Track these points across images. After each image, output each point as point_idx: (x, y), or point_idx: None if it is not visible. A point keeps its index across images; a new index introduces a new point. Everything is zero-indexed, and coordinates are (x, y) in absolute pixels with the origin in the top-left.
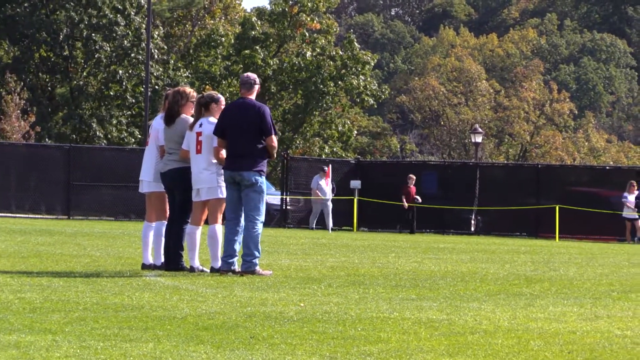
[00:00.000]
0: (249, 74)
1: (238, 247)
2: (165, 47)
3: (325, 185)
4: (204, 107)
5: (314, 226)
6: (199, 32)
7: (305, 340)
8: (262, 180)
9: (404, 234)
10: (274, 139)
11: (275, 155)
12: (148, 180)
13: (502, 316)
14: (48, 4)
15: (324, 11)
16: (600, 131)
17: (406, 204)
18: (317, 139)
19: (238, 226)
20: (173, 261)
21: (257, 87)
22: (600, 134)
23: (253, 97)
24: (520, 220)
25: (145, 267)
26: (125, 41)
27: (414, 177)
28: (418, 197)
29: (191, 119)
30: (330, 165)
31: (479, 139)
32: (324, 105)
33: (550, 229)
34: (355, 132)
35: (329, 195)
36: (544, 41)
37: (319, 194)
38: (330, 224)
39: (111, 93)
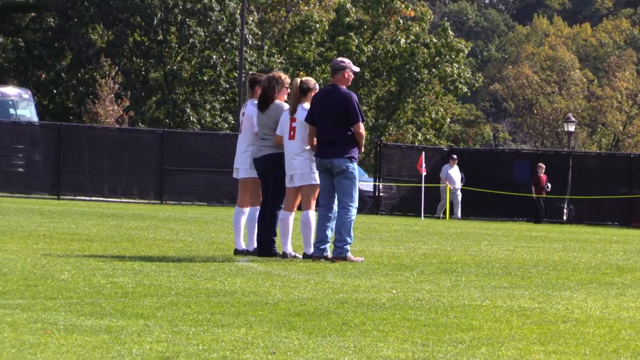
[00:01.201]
0: (338, 58)
1: (330, 233)
2: (260, 32)
3: (456, 174)
4: (302, 93)
5: (441, 215)
6: (293, 18)
7: (397, 327)
8: (354, 167)
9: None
10: (361, 126)
11: (363, 145)
12: (244, 167)
13: (593, 305)
14: None
15: None
16: None
17: (534, 195)
18: (410, 126)
19: (330, 212)
20: (266, 247)
21: (343, 71)
22: None
23: (343, 82)
24: (613, 209)
25: (237, 252)
26: (220, 26)
27: (544, 166)
28: (548, 185)
29: (286, 105)
30: (423, 153)
31: (571, 128)
32: (418, 92)
33: None
34: (449, 119)
35: (459, 184)
36: (637, 31)
37: (448, 182)
38: (459, 214)
39: (205, 78)
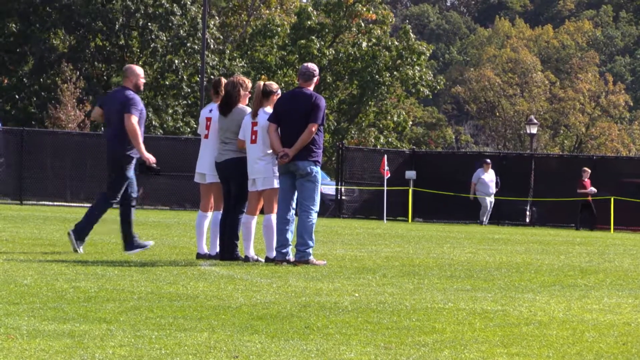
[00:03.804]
0: (309, 64)
1: (290, 236)
2: (221, 36)
3: (488, 180)
4: (264, 97)
5: (486, 221)
6: (254, 21)
7: (360, 330)
8: (317, 170)
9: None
10: (313, 128)
11: (300, 145)
12: (210, 172)
13: (556, 307)
14: None
15: (379, 1)
16: None
17: (591, 192)
18: (372, 129)
19: (288, 215)
20: (228, 251)
21: (315, 78)
22: None
23: (311, 88)
24: (575, 211)
25: (200, 256)
26: (181, 31)
27: (589, 170)
28: (593, 189)
29: (248, 109)
30: (385, 156)
31: (534, 130)
32: (380, 95)
33: (605, 221)
34: (411, 122)
35: (493, 189)
36: (600, 33)
37: (477, 188)
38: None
39: (167, 82)
